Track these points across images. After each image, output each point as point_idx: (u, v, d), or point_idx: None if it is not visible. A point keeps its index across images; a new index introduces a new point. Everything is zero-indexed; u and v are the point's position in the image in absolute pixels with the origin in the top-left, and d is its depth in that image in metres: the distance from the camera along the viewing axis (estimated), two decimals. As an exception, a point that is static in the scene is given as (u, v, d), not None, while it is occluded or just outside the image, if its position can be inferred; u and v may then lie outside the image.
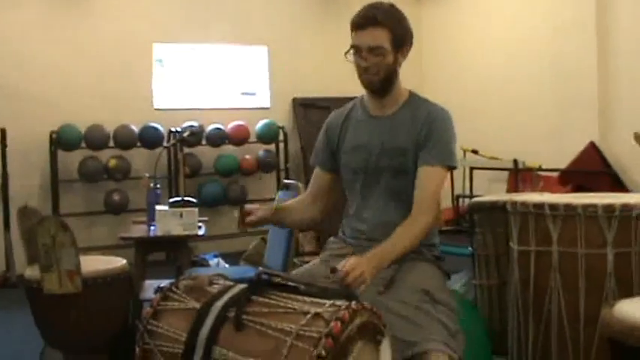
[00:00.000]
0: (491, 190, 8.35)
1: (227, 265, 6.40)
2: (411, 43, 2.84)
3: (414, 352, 2.40)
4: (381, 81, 2.79)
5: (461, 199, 7.30)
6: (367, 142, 2.85)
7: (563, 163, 7.63)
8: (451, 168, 2.82)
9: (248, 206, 2.90)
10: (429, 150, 2.74)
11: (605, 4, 7.73)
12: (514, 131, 8.71)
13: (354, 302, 1.91)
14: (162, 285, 2.34)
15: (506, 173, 8.27)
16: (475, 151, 8.58)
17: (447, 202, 7.85)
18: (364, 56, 2.75)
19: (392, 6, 2.83)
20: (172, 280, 2.36)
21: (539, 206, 2.85)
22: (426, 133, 2.76)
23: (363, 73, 2.78)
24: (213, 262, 6.47)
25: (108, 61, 8.00)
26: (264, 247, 5.04)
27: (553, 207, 2.80)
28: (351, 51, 2.79)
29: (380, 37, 2.73)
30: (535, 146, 8.25)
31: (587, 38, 7.84)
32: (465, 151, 8.61)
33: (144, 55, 8.26)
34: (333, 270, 2.32)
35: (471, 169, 8.01)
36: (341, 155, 2.94)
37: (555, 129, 8.19)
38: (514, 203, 2.97)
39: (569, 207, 2.77)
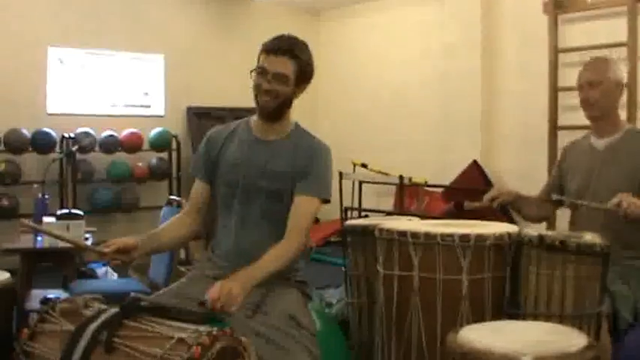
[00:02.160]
0: (380, 204, 8.61)
1: (115, 275, 6.43)
2: (310, 81, 3.02)
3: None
4: (275, 108, 2.93)
5: (349, 212, 7.48)
6: (247, 162, 2.99)
7: (448, 180, 7.92)
8: (325, 201, 3.02)
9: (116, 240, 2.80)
10: (308, 182, 2.93)
11: (491, 25, 8.08)
12: (403, 147, 9.00)
13: (215, 328, 2.06)
14: (48, 296, 2.45)
15: (394, 188, 8.51)
16: (364, 165, 8.81)
17: (335, 214, 8.04)
18: (268, 79, 2.89)
19: (305, 44, 3.01)
20: (54, 297, 2.46)
21: (402, 233, 3.03)
22: (306, 164, 2.93)
23: (262, 94, 2.92)
24: (101, 271, 6.47)
25: (1, 63, 7.89)
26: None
27: (415, 235, 2.98)
28: (255, 71, 2.93)
29: (286, 66, 2.91)
30: (422, 162, 8.54)
31: (473, 58, 8.15)
32: (354, 165, 8.84)
33: (38, 58, 8.18)
34: (202, 304, 2.45)
35: (360, 182, 8.23)
36: (219, 169, 3.05)
37: (442, 146, 8.48)
38: (381, 229, 3.16)
39: (429, 235, 2.96)
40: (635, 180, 3.40)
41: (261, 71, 2.92)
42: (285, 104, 2.97)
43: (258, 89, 2.93)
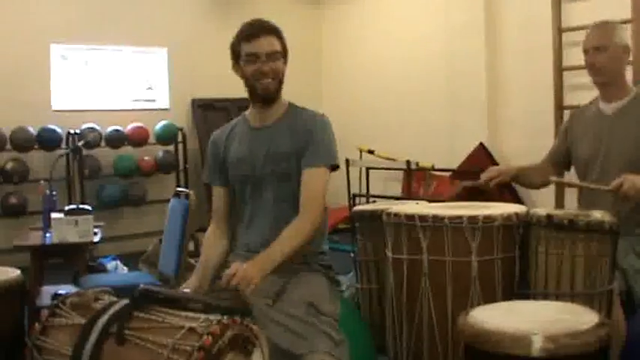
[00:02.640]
0: (387, 190, 8.61)
1: (125, 269, 6.45)
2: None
3: (301, 363, 2.58)
4: (276, 88, 2.95)
5: (357, 198, 7.49)
6: (250, 153, 2.99)
7: (455, 163, 7.90)
8: (334, 167, 2.98)
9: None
10: (311, 153, 2.91)
11: (494, 6, 8.04)
12: (409, 132, 8.97)
13: (225, 317, 2.07)
14: (59, 292, 2.45)
15: (401, 173, 8.52)
16: (371, 151, 8.80)
17: (343, 201, 8.05)
18: (264, 61, 2.90)
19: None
20: (65, 292, 2.46)
21: (410, 217, 3.03)
22: (306, 139, 2.92)
23: (261, 78, 2.92)
24: (111, 265, 6.50)
25: (3, 62, 7.88)
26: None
27: (423, 218, 2.99)
28: (242, 63, 2.94)
29: (275, 43, 2.93)
30: (429, 147, 8.51)
31: (477, 40, 8.12)
32: (361, 151, 8.84)
33: (41, 55, 8.16)
34: (218, 279, 2.47)
35: (367, 169, 8.23)
36: (228, 169, 3.07)
37: (447, 130, 8.47)
38: (388, 214, 3.16)
39: (437, 218, 2.96)
40: None
41: (252, 58, 2.92)
42: (282, 82, 2.99)
43: (257, 75, 2.92)
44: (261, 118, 3.04)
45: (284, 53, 2.97)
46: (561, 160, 3.74)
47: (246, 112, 3.12)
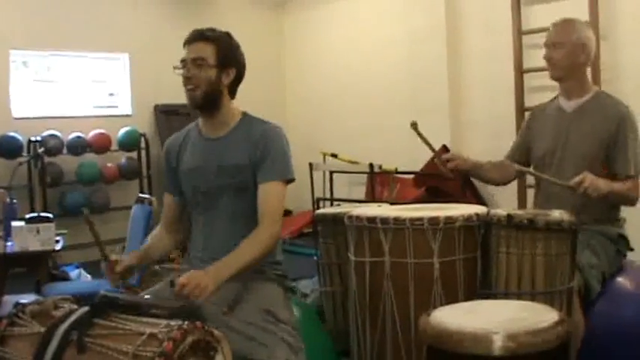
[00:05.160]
0: (352, 194, 8.63)
1: (89, 277, 6.40)
2: (240, 72, 2.98)
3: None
4: (202, 96, 2.87)
5: (322, 202, 7.50)
6: (203, 164, 2.95)
7: (418, 166, 7.94)
8: (290, 181, 2.94)
9: (113, 257, 2.89)
10: (267, 168, 2.87)
11: (455, 10, 8.09)
12: (372, 135, 9.00)
13: (186, 322, 2.05)
14: (20, 301, 2.42)
15: (365, 176, 8.53)
16: (334, 155, 8.82)
17: (308, 206, 8.05)
18: (188, 67, 2.87)
19: (228, 34, 2.99)
20: (27, 301, 2.44)
21: (371, 219, 3.03)
22: (261, 151, 2.88)
23: (185, 85, 2.88)
24: (74, 273, 6.44)
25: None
26: (126, 256, 5.09)
27: (384, 220, 2.99)
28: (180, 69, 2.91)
29: (204, 50, 2.87)
30: (392, 150, 8.53)
31: (438, 44, 8.17)
32: (324, 155, 8.85)
33: (1, 62, 8.05)
34: (172, 284, 2.46)
35: (331, 173, 8.24)
36: (181, 178, 3.04)
37: (410, 133, 8.42)
38: (350, 217, 3.16)
39: (398, 220, 2.97)
40: (603, 143, 3.45)
41: (182, 64, 2.90)
42: (214, 93, 2.90)
43: (184, 82, 2.90)
44: (213, 128, 2.99)
45: (220, 62, 2.89)
46: (522, 157, 3.79)
47: (200, 120, 3.07)
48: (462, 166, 3.73)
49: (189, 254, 3.09)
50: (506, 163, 3.79)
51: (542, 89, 3.63)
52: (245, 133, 2.94)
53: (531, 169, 3.75)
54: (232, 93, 2.99)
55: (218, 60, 2.89)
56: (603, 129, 3.45)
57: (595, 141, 3.45)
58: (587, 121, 3.49)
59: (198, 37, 2.90)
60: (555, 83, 3.68)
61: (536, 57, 6.84)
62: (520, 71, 7.27)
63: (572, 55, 3.51)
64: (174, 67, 2.92)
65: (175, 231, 3.15)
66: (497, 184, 3.97)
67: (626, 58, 6.50)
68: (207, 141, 3.00)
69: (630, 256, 3.62)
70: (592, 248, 3.31)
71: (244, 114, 3.03)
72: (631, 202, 3.47)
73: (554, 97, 3.74)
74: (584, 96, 3.57)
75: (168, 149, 3.13)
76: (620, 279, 3.43)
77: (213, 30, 2.95)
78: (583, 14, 6.51)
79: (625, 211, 3.59)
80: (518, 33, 7.26)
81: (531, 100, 7.11)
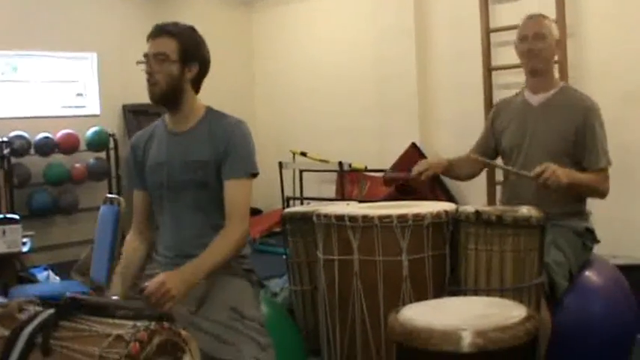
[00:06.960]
0: (322, 192, 8.62)
1: (58, 279, 6.33)
2: (203, 67, 2.95)
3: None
4: (163, 92, 2.86)
5: (291, 201, 7.48)
6: (167, 158, 2.94)
7: (388, 164, 7.95)
8: (254, 175, 2.92)
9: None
10: (231, 164, 2.85)
11: (423, 9, 8.10)
12: (342, 134, 8.99)
13: (153, 323, 2.03)
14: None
15: (335, 175, 8.54)
16: (304, 154, 8.79)
17: (277, 205, 8.04)
18: (150, 63, 2.85)
19: (192, 28, 2.96)
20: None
21: (340, 218, 3.04)
22: (225, 146, 2.86)
23: (147, 80, 2.86)
24: (42, 275, 6.36)
25: None
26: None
27: (352, 218, 3.00)
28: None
29: (165, 45, 2.86)
30: (362, 148, 8.55)
31: (407, 42, 8.15)
32: (294, 154, 8.83)
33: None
34: (142, 290, 2.44)
35: (301, 171, 8.23)
36: (146, 174, 3.02)
37: (380, 131, 8.51)
38: (319, 215, 3.16)
39: (366, 218, 2.97)
40: (569, 136, 3.46)
41: (145, 60, 2.88)
42: (175, 88, 2.88)
43: (146, 77, 2.88)
44: (178, 123, 2.97)
45: (182, 57, 2.86)
46: (488, 150, 3.80)
47: (166, 115, 3.05)
48: (437, 172, 3.74)
49: (155, 251, 3.06)
50: (472, 156, 3.79)
51: (510, 87, 3.67)
52: (209, 128, 2.92)
53: (493, 161, 3.77)
54: (196, 88, 2.97)
55: (180, 55, 2.86)
56: (570, 121, 3.47)
57: (562, 134, 3.47)
58: (553, 115, 3.51)
59: (161, 31, 2.88)
60: (523, 81, 3.69)
61: (504, 55, 6.89)
62: (488, 69, 7.29)
63: (550, 48, 3.56)
64: (138, 62, 2.90)
65: (149, 229, 3.12)
66: (462, 180, 3.99)
67: (592, 56, 6.54)
68: (172, 135, 2.98)
69: (596, 248, 3.64)
70: (558, 245, 3.33)
71: (208, 108, 3.01)
72: (600, 195, 3.48)
73: (518, 92, 3.76)
74: (550, 90, 3.59)
75: (136, 144, 3.10)
76: (586, 274, 3.45)
77: (176, 24, 2.93)
78: (550, 12, 6.56)
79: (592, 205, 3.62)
80: (487, 31, 7.28)
81: (500, 98, 7.11)
